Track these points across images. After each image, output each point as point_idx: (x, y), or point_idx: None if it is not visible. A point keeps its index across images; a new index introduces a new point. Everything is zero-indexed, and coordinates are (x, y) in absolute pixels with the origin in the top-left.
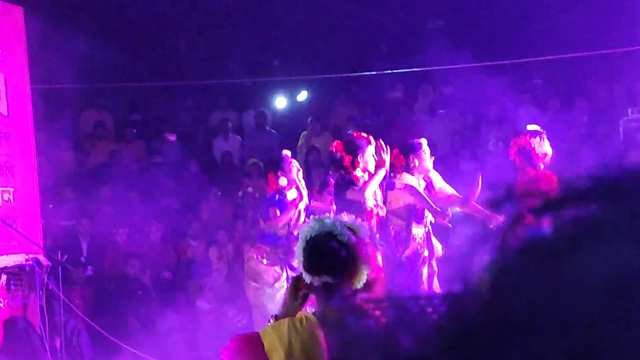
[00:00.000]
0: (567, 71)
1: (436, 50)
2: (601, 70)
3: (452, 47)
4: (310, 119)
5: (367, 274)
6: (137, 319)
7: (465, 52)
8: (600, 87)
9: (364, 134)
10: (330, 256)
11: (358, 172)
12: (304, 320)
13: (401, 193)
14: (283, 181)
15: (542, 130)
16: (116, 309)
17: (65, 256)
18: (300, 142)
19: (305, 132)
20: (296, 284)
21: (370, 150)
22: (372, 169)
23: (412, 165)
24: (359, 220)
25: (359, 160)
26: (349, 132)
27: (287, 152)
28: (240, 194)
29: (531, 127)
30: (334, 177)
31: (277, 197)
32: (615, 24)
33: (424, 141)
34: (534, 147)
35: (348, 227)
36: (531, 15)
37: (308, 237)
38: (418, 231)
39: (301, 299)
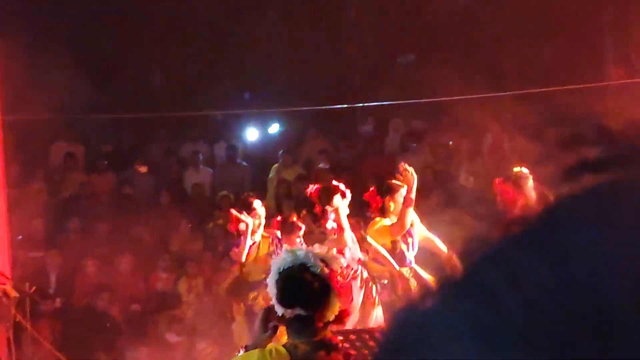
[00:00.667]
0: (538, 106)
1: (407, 84)
2: (571, 105)
3: (423, 81)
4: (281, 151)
5: (339, 306)
6: (105, 352)
7: (435, 86)
8: (568, 122)
9: (342, 186)
10: (304, 289)
11: (328, 224)
12: (274, 352)
13: (379, 234)
14: (242, 226)
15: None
16: (85, 342)
17: (34, 288)
18: (271, 175)
19: (276, 165)
20: (267, 315)
21: (345, 202)
22: (343, 220)
23: (387, 207)
24: (332, 251)
25: (329, 210)
26: (320, 165)
27: (253, 198)
28: (210, 225)
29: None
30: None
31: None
32: (584, 60)
33: (404, 187)
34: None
35: (321, 259)
36: (501, 50)
37: (281, 269)
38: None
39: (272, 330)
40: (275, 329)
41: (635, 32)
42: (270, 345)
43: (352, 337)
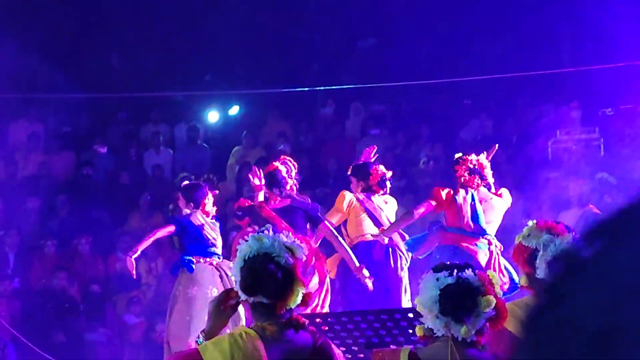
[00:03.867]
0: (497, 92)
1: (368, 68)
2: (530, 91)
3: (384, 65)
4: (244, 133)
5: (302, 294)
6: (64, 332)
7: (396, 71)
8: (529, 108)
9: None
10: (267, 279)
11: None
12: (244, 335)
13: None
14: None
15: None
16: (43, 322)
17: None
18: (230, 162)
19: (237, 148)
20: (225, 297)
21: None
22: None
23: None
24: (298, 240)
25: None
26: (280, 147)
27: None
28: (170, 207)
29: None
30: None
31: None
32: (543, 47)
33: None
34: (483, 164)
35: (286, 248)
36: (462, 37)
37: (246, 257)
38: None
39: (230, 310)
40: (234, 308)
41: None
42: (238, 329)
43: (318, 320)
